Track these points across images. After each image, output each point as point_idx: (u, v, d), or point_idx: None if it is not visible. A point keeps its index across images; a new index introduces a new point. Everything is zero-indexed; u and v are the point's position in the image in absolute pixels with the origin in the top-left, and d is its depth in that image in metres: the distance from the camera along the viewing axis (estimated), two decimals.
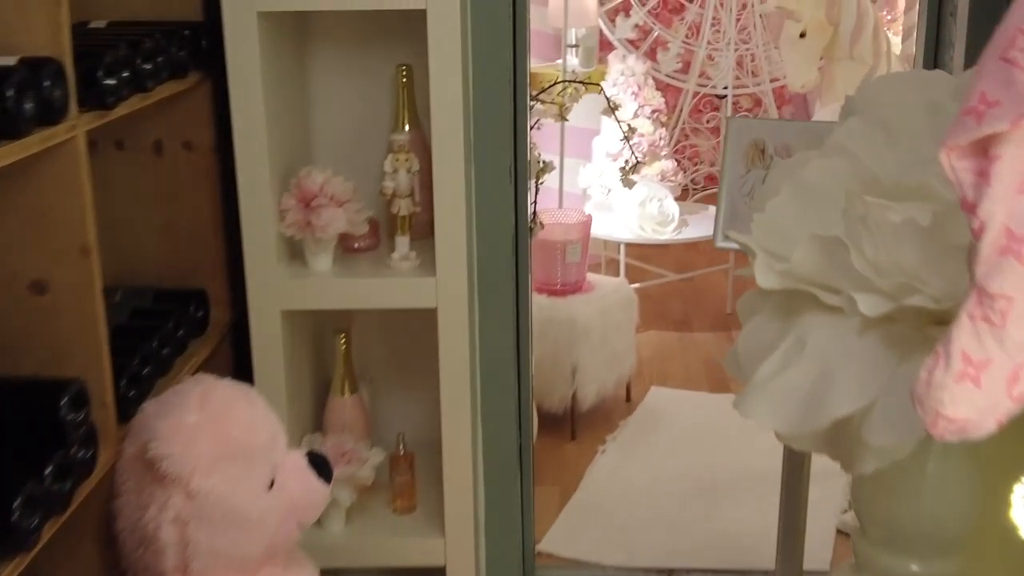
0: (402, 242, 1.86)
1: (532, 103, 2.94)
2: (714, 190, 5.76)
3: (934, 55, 2.15)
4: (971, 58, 1.98)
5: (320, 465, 1.51)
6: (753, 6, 5.38)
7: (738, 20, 5.42)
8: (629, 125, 3.30)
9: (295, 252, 1.89)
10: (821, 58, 4.59)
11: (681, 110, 5.61)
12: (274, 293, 1.81)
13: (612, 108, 3.24)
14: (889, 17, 5.58)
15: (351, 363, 2.03)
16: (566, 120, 3.00)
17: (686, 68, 5.82)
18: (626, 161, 3.30)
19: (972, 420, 1.11)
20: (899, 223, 1.35)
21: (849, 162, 1.59)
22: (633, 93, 4.35)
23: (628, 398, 3.75)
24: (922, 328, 1.38)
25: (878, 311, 1.33)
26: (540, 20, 5.35)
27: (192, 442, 1.37)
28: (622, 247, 4.29)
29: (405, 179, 1.83)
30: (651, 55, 5.73)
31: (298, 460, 1.49)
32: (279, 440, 1.47)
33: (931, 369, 1.10)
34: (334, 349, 2.00)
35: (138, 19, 1.83)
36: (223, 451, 1.38)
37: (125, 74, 1.50)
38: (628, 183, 3.23)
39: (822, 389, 1.41)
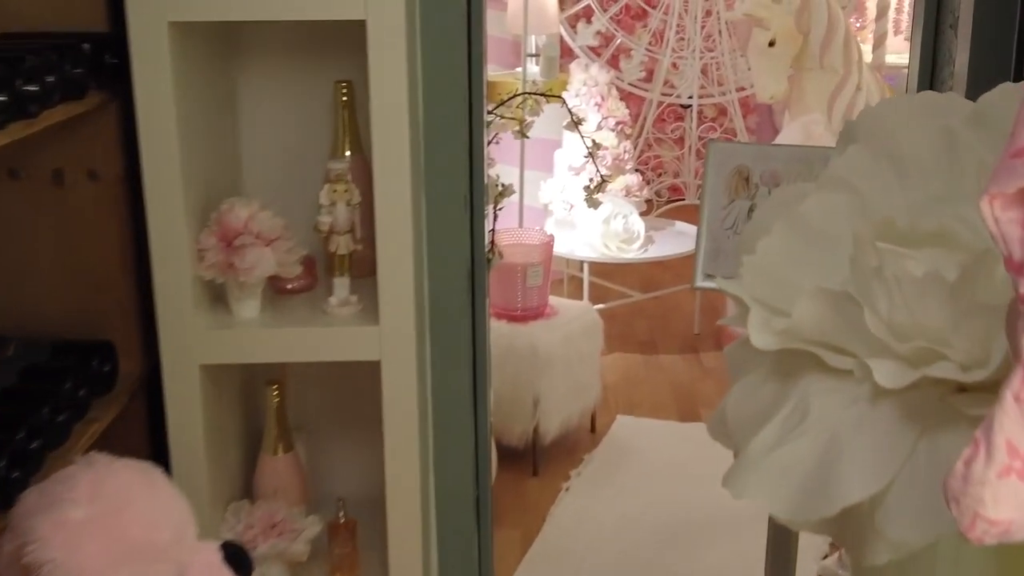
0: (341, 284, 1.63)
1: (490, 117, 2.72)
2: (680, 202, 5.60)
3: (931, 71, 1.96)
4: (975, 75, 1.78)
5: (237, 559, 1.27)
6: (719, 13, 5.20)
7: (703, 27, 5.25)
8: (594, 140, 3.09)
9: (218, 296, 1.65)
10: (790, 68, 4.42)
11: (645, 120, 5.42)
12: (191, 345, 1.56)
13: (575, 122, 3.03)
14: (858, 24, 5.45)
15: (285, 418, 1.79)
16: (526, 137, 2.79)
17: (650, 76, 5.63)
18: (591, 180, 3.09)
19: (1017, 522, 0.91)
20: (921, 277, 1.15)
21: (853, 198, 1.38)
22: (596, 104, 4.14)
23: (593, 429, 3.54)
24: (945, 397, 1.18)
25: (898, 382, 1.13)
26: (498, 26, 5.14)
27: (78, 544, 1.13)
28: (585, 266, 4.08)
29: (344, 213, 1.60)
30: (613, 63, 5.54)
31: (210, 556, 1.25)
32: (187, 533, 1.23)
33: (969, 461, 0.89)
34: (265, 402, 1.77)
35: (37, 31, 1.58)
36: (117, 554, 1.14)
37: (2, 98, 1.25)
38: (593, 203, 3.02)
39: (829, 468, 1.21)
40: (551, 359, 3.17)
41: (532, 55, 3.94)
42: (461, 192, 1.88)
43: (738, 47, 4.62)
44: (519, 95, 3.04)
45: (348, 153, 1.74)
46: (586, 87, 4.15)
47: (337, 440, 1.95)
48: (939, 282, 1.16)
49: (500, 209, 2.53)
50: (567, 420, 3.29)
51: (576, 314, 3.37)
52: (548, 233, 3.45)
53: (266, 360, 1.64)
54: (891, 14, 5.65)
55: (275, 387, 1.76)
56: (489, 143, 2.94)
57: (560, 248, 4.08)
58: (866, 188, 1.42)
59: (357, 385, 1.85)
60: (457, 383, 1.96)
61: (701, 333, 4.36)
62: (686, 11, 5.23)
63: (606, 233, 3.99)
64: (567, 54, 5.72)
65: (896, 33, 5.50)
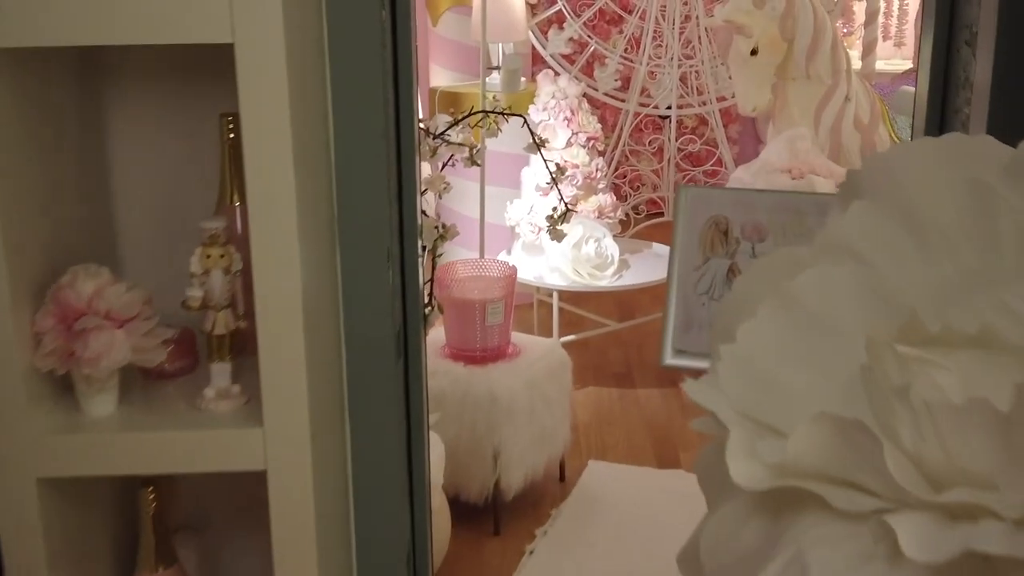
0: (220, 371, 1.30)
1: (437, 142, 2.41)
2: (659, 218, 5.29)
3: (942, 97, 1.65)
4: (999, 103, 1.47)
5: None
6: (697, 19, 4.90)
7: (681, 33, 4.94)
8: (559, 165, 2.77)
9: (66, 387, 1.32)
10: (774, 77, 4.12)
11: (621, 131, 5.11)
12: (25, 455, 1.24)
13: (538, 144, 2.71)
14: (845, 30, 5.16)
15: (165, 526, 1.47)
16: (477, 164, 2.47)
17: (626, 85, 5.33)
18: (554, 209, 2.78)
19: None
20: (961, 405, 0.84)
21: (861, 273, 1.06)
22: (566, 119, 3.82)
23: (562, 478, 3.22)
24: (996, 566, 0.87)
25: (932, 553, 0.82)
26: (463, 33, 4.83)
27: None
28: (555, 295, 3.77)
29: (221, 283, 1.28)
30: (587, 71, 5.23)
31: None
32: None
33: None
34: (139, 508, 1.44)
35: None
36: None
37: None
38: (557, 235, 2.71)
39: None
40: (513, 407, 2.86)
41: (493, 68, 3.61)
42: (383, 246, 1.56)
43: (718, 55, 4.31)
44: (474, 113, 2.72)
45: (236, 202, 1.42)
46: (555, 100, 3.84)
47: (235, 541, 1.62)
48: (986, 410, 0.84)
49: (440, 255, 2.21)
50: (532, 472, 2.97)
51: (542, 353, 3.06)
52: (510, 265, 3.13)
53: (120, 472, 1.31)
54: (879, 19, 5.36)
55: (151, 489, 1.43)
56: (444, 166, 2.62)
57: (527, 274, 3.77)
58: (877, 259, 1.09)
59: (259, 476, 1.53)
60: (383, 476, 1.64)
61: None
62: (663, 16, 4.92)
63: (577, 259, 3.68)
64: (539, 62, 5.41)
65: (885, 38, 5.21)
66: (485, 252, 4.34)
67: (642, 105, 5.03)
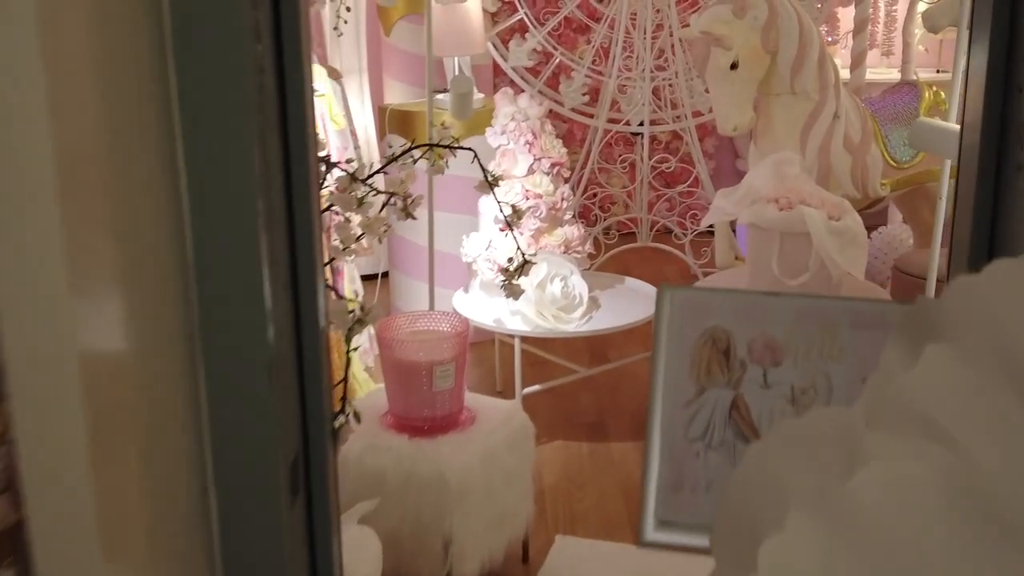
0: None
1: (366, 189, 2.00)
2: (631, 244, 4.92)
3: (996, 149, 1.26)
4: None
5: None
6: (671, 28, 4.52)
7: (653, 44, 4.56)
8: (515, 207, 2.38)
9: None
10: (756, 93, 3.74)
11: (590, 149, 4.73)
12: None
13: (490, 184, 2.32)
14: (830, 39, 4.80)
15: None
16: (413, 217, 2.07)
17: (595, 99, 4.95)
18: (509, 260, 2.38)
19: None
20: None
21: (955, 471, 0.68)
22: (527, 143, 3.43)
23: (525, 558, 2.83)
24: None
25: None
26: (419, 44, 4.42)
27: None
28: (517, 342, 3.37)
29: None
30: (552, 84, 4.83)
31: None
32: None
33: None
34: None
35: None
36: None
37: None
38: (513, 292, 2.32)
39: None
40: (466, 487, 2.46)
41: (440, 92, 3.20)
42: (258, 357, 1.16)
43: (695, 69, 3.92)
44: (414, 147, 2.32)
45: None
46: (514, 123, 3.44)
47: None
48: None
49: (354, 351, 1.80)
50: (490, 559, 2.57)
51: (501, 419, 2.66)
52: (462, 318, 2.73)
53: None
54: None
55: None
56: (384, 206, 2.22)
57: (485, 317, 3.38)
58: (976, 445, 0.71)
59: None
60: None
61: None
62: (634, 25, 4.54)
63: (541, 300, 3.28)
64: (500, 74, 5.02)
65: (872, 46, 4.85)
66: (439, 286, 3.94)
67: (612, 121, 4.65)
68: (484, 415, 2.65)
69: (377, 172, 2.05)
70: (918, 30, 5.24)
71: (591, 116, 4.74)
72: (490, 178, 2.36)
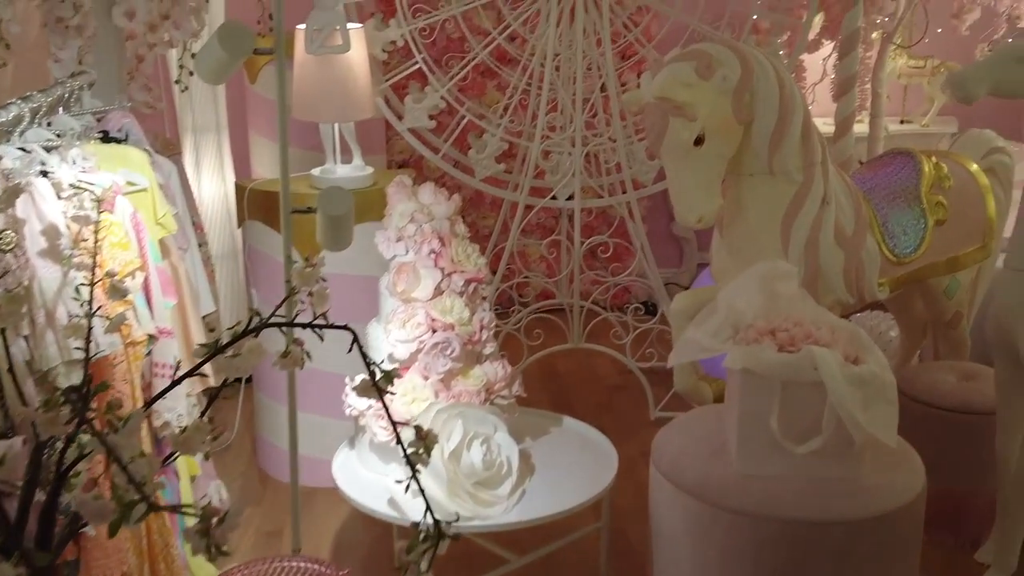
0: None
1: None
2: (561, 345, 3.98)
3: None
4: None
5: None
6: (604, 75, 3.66)
7: (586, 101, 3.70)
8: (389, 374, 1.45)
9: None
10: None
11: (507, 224, 3.84)
12: None
13: (378, 387, 1.41)
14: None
15: None
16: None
17: (509, 156, 4.07)
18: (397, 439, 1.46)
19: None
20: None
21: None
22: (432, 254, 2.50)
23: None
24: None
25: None
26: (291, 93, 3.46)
27: None
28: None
29: None
30: (460, 144, 3.94)
31: None
32: None
33: None
34: None
35: None
36: None
37: None
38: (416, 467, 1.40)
39: None
40: None
41: (300, 212, 2.22)
42: None
43: (647, 141, 3.05)
44: (250, 331, 1.39)
45: None
46: (414, 225, 2.51)
47: None
48: None
49: None
50: None
51: None
52: (335, 572, 1.78)
53: None
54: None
55: None
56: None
57: (375, 501, 2.45)
58: None
59: None
60: None
61: None
62: (557, 72, 3.66)
63: (455, 476, 2.36)
64: (397, 135, 4.09)
65: (835, 98, 4.05)
66: (314, 412, 3.00)
67: (534, 193, 3.77)
68: None
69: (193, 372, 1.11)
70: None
71: (509, 187, 3.85)
72: (372, 369, 1.44)
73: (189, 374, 1.48)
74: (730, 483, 2.32)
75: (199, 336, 2.71)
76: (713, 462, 2.39)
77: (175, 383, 1.52)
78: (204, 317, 2.96)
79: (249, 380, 3.62)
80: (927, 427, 2.90)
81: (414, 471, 1.43)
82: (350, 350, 1.49)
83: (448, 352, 2.46)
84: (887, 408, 2.28)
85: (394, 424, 1.45)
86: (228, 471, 3.41)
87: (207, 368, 1.46)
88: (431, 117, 3.66)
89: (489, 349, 2.58)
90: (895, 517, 2.26)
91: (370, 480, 2.55)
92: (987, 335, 2.64)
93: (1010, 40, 2.72)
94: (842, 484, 2.30)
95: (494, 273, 3.77)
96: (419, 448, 1.43)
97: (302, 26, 3.11)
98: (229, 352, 1.45)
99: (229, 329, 1.46)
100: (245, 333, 1.45)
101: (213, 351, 1.44)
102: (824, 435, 2.28)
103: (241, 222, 3.33)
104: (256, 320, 1.51)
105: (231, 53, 1.79)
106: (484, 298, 2.62)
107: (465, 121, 3.69)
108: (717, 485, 2.32)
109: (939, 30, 4.35)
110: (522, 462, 2.53)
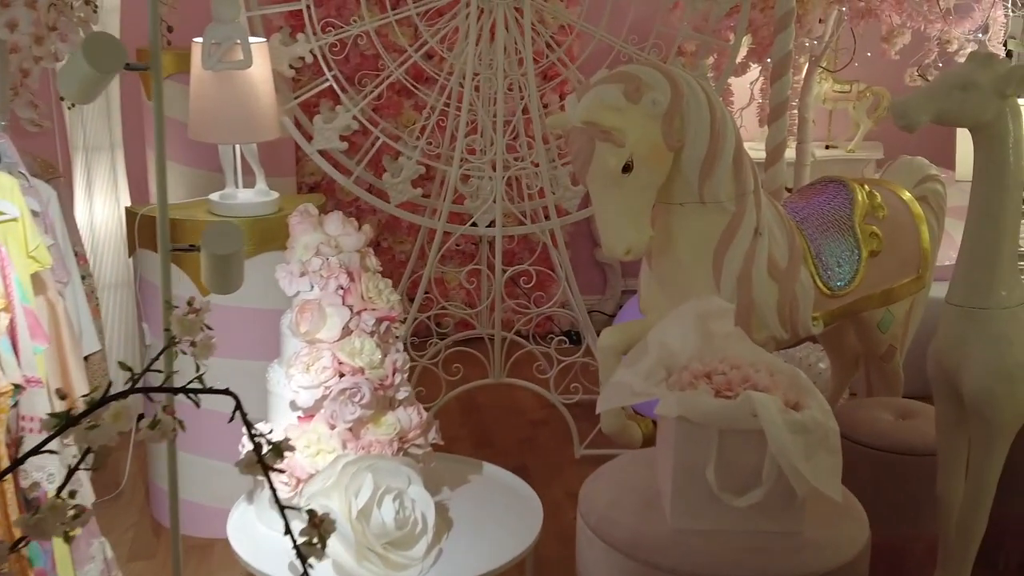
0: None
1: None
2: (482, 380, 3.69)
3: None
4: None
5: None
6: (527, 97, 3.49)
7: (507, 123, 3.52)
8: (282, 444, 1.24)
9: None
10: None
11: (424, 251, 3.63)
12: None
13: (263, 464, 1.19)
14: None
15: None
16: None
17: (428, 179, 3.87)
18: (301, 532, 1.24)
19: None
20: None
21: None
22: (340, 290, 2.27)
23: None
24: None
25: None
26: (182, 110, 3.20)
27: None
28: None
29: None
30: (374, 167, 3.73)
31: None
32: None
33: None
34: None
35: None
36: None
37: None
38: (316, 549, 1.21)
39: None
40: None
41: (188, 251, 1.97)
42: None
43: (573, 168, 2.87)
44: (110, 399, 1.16)
45: None
46: (320, 259, 2.28)
47: None
48: None
49: None
50: None
51: None
52: None
53: None
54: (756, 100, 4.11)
55: None
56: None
57: (272, 565, 2.20)
58: None
59: None
60: None
61: None
62: (477, 92, 3.47)
63: (363, 537, 2.13)
64: (306, 158, 3.85)
65: (764, 123, 3.97)
66: (208, 457, 2.75)
67: (454, 221, 3.57)
68: None
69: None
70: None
71: (427, 213, 3.65)
72: (260, 452, 1.22)
73: (50, 439, 1.24)
74: (664, 539, 2.14)
75: (80, 380, 2.44)
76: (646, 516, 2.21)
77: (42, 444, 1.29)
78: (87, 357, 2.69)
79: (140, 419, 3.33)
80: (864, 469, 2.76)
81: (306, 567, 1.21)
82: (231, 419, 1.26)
83: (357, 399, 2.24)
84: (830, 458, 2.13)
85: (282, 510, 1.23)
86: (118, 523, 3.12)
87: None
88: (343, 138, 3.44)
89: (403, 394, 2.36)
90: (839, 575, 2.11)
91: (268, 540, 2.31)
92: (928, 373, 2.52)
93: (952, 68, 2.62)
94: (783, 539, 2.14)
95: (411, 301, 3.56)
96: (312, 537, 1.21)
97: (200, 39, 2.87)
98: (85, 423, 1.22)
99: (84, 397, 1.23)
100: (103, 401, 1.21)
101: (64, 423, 1.20)
102: (764, 487, 2.12)
103: (132, 251, 3.05)
104: (126, 381, 1.28)
105: (100, 69, 1.56)
106: (397, 337, 2.40)
107: (380, 143, 3.47)
108: (650, 542, 2.14)
109: (868, 54, 4.29)
110: (439, 517, 2.31)
